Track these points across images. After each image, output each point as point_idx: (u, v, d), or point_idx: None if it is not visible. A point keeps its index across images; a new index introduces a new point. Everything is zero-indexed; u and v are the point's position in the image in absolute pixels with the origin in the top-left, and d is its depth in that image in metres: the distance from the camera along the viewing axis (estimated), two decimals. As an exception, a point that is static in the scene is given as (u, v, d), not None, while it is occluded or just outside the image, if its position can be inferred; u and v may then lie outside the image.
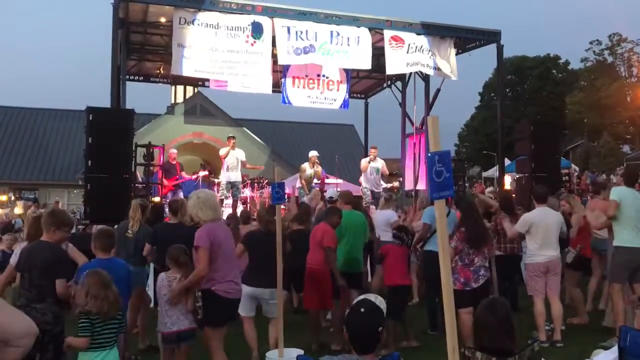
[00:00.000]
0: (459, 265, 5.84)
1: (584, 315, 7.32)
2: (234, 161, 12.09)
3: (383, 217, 8.77)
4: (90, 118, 8.96)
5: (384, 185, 12.91)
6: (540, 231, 6.41)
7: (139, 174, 11.47)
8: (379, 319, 2.76)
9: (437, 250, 2.44)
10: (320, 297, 6.34)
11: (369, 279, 9.05)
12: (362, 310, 2.76)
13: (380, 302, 2.85)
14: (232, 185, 12.08)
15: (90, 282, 3.95)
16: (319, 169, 12.68)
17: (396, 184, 14.72)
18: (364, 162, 12.71)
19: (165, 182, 12.17)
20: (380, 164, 12.54)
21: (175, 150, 13.63)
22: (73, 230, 5.89)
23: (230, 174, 12.08)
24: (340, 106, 14.24)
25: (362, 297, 2.94)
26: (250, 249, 5.95)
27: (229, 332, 5.92)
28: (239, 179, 12.31)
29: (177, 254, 4.89)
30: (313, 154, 12.63)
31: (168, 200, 7.41)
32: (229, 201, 12.06)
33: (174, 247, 4.99)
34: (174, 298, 4.74)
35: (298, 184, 12.67)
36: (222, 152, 12.30)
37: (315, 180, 12.53)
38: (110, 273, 4.27)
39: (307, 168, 12.51)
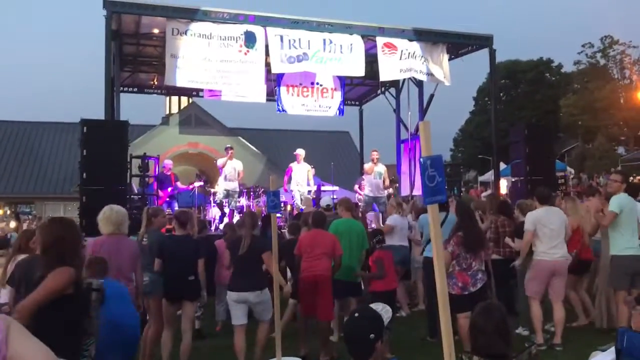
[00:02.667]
0: (457, 270, 5.82)
1: (583, 317, 7.31)
2: (231, 171, 12.17)
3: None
4: (85, 130, 8.96)
5: (386, 192, 12.73)
6: (546, 231, 6.37)
7: (135, 185, 11.44)
8: (373, 326, 2.65)
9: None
10: (327, 306, 6.24)
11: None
12: (356, 315, 2.74)
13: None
14: (228, 195, 12.12)
15: None
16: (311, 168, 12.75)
17: (391, 190, 14.66)
18: (367, 165, 12.43)
19: (160, 193, 12.16)
20: (382, 169, 12.34)
21: (170, 161, 13.58)
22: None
23: (228, 183, 12.14)
24: (336, 113, 14.28)
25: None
26: (230, 254, 6.06)
27: (220, 345, 5.86)
28: (237, 189, 12.34)
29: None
30: (299, 151, 12.65)
31: (174, 212, 7.42)
32: (226, 210, 12.07)
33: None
34: None
35: (292, 187, 12.57)
36: (220, 162, 12.36)
37: (307, 174, 12.58)
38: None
39: (295, 164, 12.59)
